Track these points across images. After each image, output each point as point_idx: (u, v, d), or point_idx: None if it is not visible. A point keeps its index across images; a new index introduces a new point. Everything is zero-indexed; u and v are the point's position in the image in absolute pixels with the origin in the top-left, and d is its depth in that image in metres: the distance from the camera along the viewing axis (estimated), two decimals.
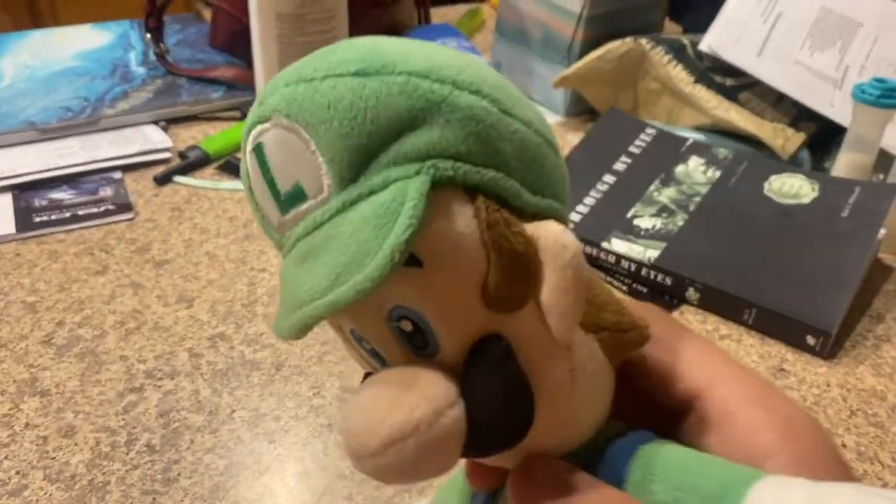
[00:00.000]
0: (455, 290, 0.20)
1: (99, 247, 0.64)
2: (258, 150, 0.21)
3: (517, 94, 0.22)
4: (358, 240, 0.19)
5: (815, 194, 0.64)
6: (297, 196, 0.21)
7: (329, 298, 0.19)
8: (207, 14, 1.03)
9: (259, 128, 0.21)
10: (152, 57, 0.89)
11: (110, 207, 0.68)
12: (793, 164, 0.73)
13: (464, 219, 0.20)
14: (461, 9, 1.11)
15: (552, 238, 0.20)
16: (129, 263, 0.62)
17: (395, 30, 0.93)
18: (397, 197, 0.19)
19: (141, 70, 0.88)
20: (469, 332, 0.21)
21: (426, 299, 0.20)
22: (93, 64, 0.89)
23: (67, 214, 0.67)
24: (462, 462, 0.24)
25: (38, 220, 0.66)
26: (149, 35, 0.87)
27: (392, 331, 0.21)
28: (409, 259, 0.20)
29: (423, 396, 0.20)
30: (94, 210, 0.68)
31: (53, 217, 0.67)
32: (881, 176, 0.71)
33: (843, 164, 0.69)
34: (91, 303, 0.58)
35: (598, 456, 0.23)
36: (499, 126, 0.21)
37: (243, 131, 0.22)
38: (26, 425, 0.48)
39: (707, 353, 0.25)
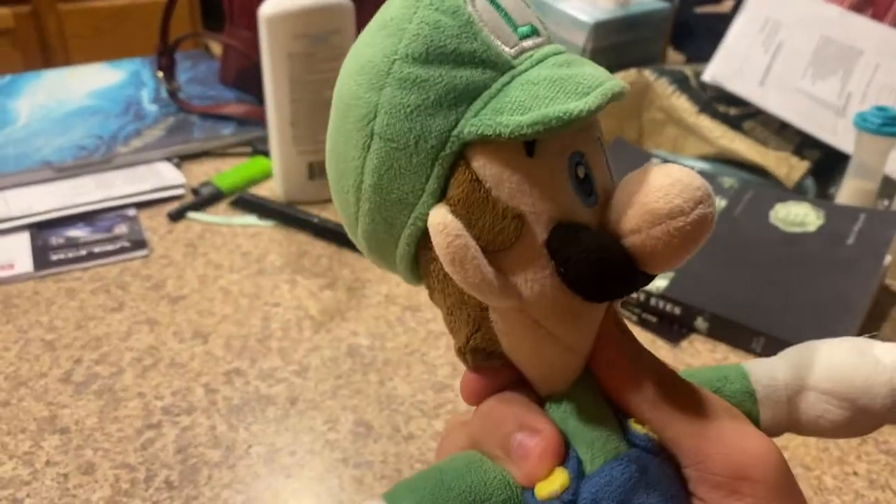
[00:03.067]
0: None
1: (115, 284, 0.65)
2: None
3: None
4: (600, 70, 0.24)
5: (820, 222, 0.65)
6: (534, 31, 0.25)
7: (615, 82, 0.23)
8: (216, 47, 1.05)
9: None
10: (164, 94, 0.91)
11: (125, 244, 0.70)
12: (798, 192, 0.74)
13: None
14: None
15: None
16: (144, 300, 0.63)
17: None
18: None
19: (153, 108, 0.89)
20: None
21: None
22: (106, 102, 0.90)
23: (83, 252, 0.68)
24: None
25: (55, 258, 0.67)
26: (161, 73, 0.89)
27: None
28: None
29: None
30: (110, 247, 0.69)
31: (70, 255, 0.68)
32: (885, 202, 0.72)
33: (848, 191, 0.70)
34: (108, 340, 0.59)
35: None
36: None
37: None
38: (47, 463, 0.49)
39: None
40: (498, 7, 0.24)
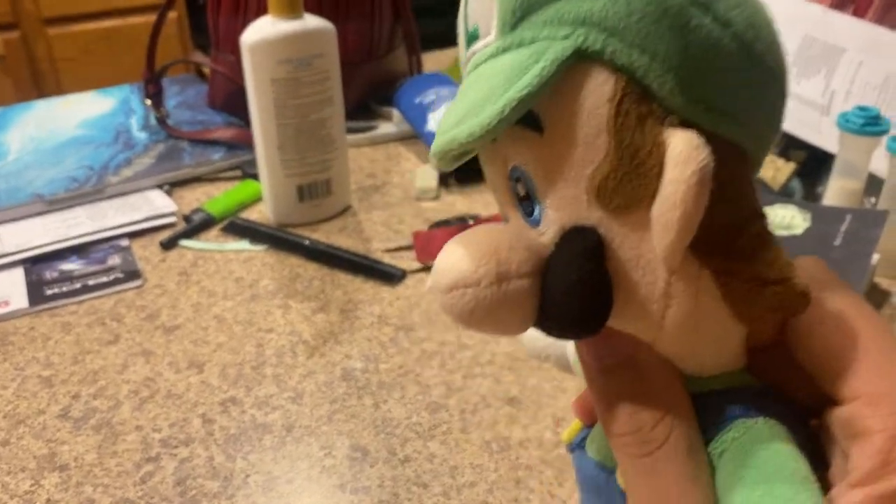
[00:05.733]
0: (567, 166, 0.20)
1: (110, 316, 0.66)
2: None
3: None
4: (489, 86, 0.20)
5: (807, 224, 0.65)
6: (474, 35, 0.22)
7: (447, 137, 0.20)
8: (208, 70, 1.06)
9: None
10: (153, 121, 0.92)
11: (119, 276, 0.70)
12: (785, 195, 0.74)
13: (597, 98, 0.19)
14: (453, 53, 1.13)
15: (679, 148, 0.19)
16: (139, 331, 0.64)
17: (389, 80, 0.95)
18: (534, 56, 0.19)
19: (143, 135, 0.90)
20: (569, 215, 0.21)
21: (538, 166, 0.21)
22: (96, 131, 0.91)
23: (78, 285, 0.69)
24: None
25: (49, 292, 0.68)
26: (149, 101, 0.90)
27: (510, 188, 0.22)
28: (534, 121, 0.20)
29: (497, 258, 0.21)
30: (104, 279, 0.70)
31: (65, 289, 0.68)
32: (872, 199, 0.73)
33: (834, 190, 0.70)
34: (105, 373, 0.60)
35: (701, 401, 0.23)
36: (677, 14, 0.19)
37: None
38: (47, 501, 0.49)
39: (878, 352, 0.22)
40: (465, 5, 0.22)
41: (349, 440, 0.53)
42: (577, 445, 0.27)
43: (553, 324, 0.21)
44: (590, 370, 0.23)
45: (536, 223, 0.21)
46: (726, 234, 0.20)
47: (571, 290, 0.20)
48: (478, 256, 0.21)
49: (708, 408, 0.22)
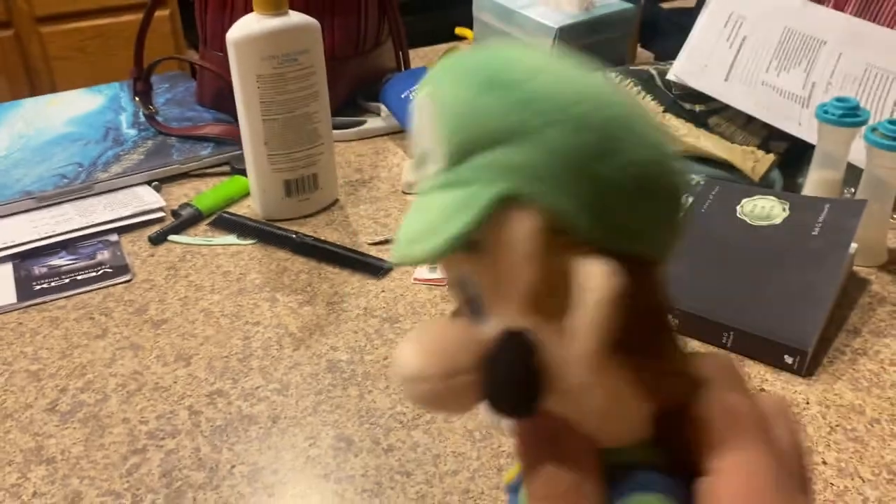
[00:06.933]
0: (500, 282, 0.24)
1: (98, 310, 0.66)
2: (418, 105, 0.25)
3: (643, 136, 0.24)
4: (436, 218, 0.24)
5: (785, 214, 0.66)
6: (424, 158, 0.26)
7: (404, 252, 0.24)
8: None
9: (423, 88, 0.25)
10: (143, 118, 0.92)
11: (108, 270, 0.71)
12: (764, 185, 0.75)
13: (523, 231, 0.23)
14: (440, 48, 1.14)
15: (582, 278, 0.22)
16: (127, 325, 0.65)
17: (376, 76, 0.96)
18: (470, 198, 0.23)
19: (132, 132, 0.91)
20: (504, 319, 0.25)
21: (480, 279, 0.25)
22: (85, 128, 0.92)
23: (67, 280, 0.70)
24: None
25: (38, 287, 0.69)
26: (137, 99, 0.90)
27: (461, 291, 0.26)
28: (475, 246, 0.24)
29: (443, 356, 0.24)
30: (93, 274, 0.70)
31: (53, 284, 0.69)
32: (852, 190, 0.73)
33: (813, 181, 0.71)
34: (92, 367, 0.60)
35: (609, 474, 0.26)
36: (586, 165, 0.23)
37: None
38: (34, 494, 0.50)
39: (739, 432, 0.25)
40: (419, 121, 0.26)
41: (334, 430, 0.54)
42: (513, 488, 0.30)
43: (494, 407, 0.25)
44: (518, 439, 0.27)
45: (483, 321, 0.25)
46: (632, 333, 0.24)
47: (499, 388, 0.24)
48: (428, 354, 0.24)
49: (613, 481, 0.26)
